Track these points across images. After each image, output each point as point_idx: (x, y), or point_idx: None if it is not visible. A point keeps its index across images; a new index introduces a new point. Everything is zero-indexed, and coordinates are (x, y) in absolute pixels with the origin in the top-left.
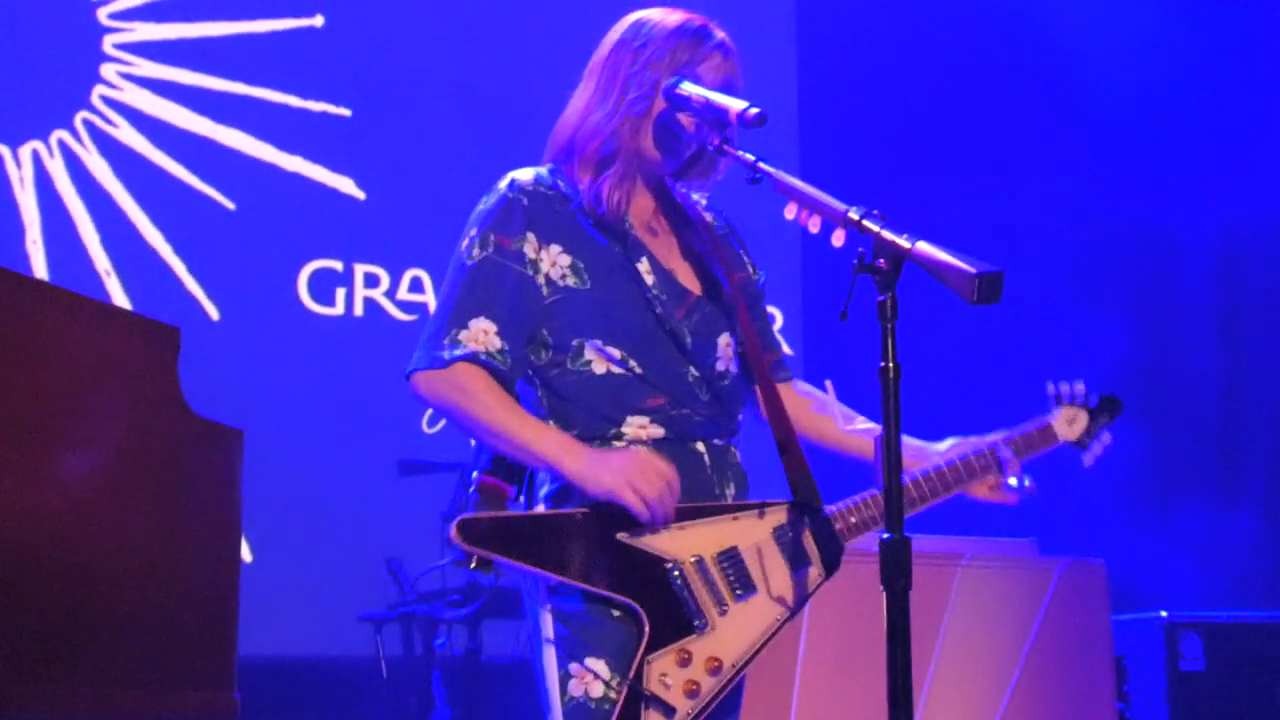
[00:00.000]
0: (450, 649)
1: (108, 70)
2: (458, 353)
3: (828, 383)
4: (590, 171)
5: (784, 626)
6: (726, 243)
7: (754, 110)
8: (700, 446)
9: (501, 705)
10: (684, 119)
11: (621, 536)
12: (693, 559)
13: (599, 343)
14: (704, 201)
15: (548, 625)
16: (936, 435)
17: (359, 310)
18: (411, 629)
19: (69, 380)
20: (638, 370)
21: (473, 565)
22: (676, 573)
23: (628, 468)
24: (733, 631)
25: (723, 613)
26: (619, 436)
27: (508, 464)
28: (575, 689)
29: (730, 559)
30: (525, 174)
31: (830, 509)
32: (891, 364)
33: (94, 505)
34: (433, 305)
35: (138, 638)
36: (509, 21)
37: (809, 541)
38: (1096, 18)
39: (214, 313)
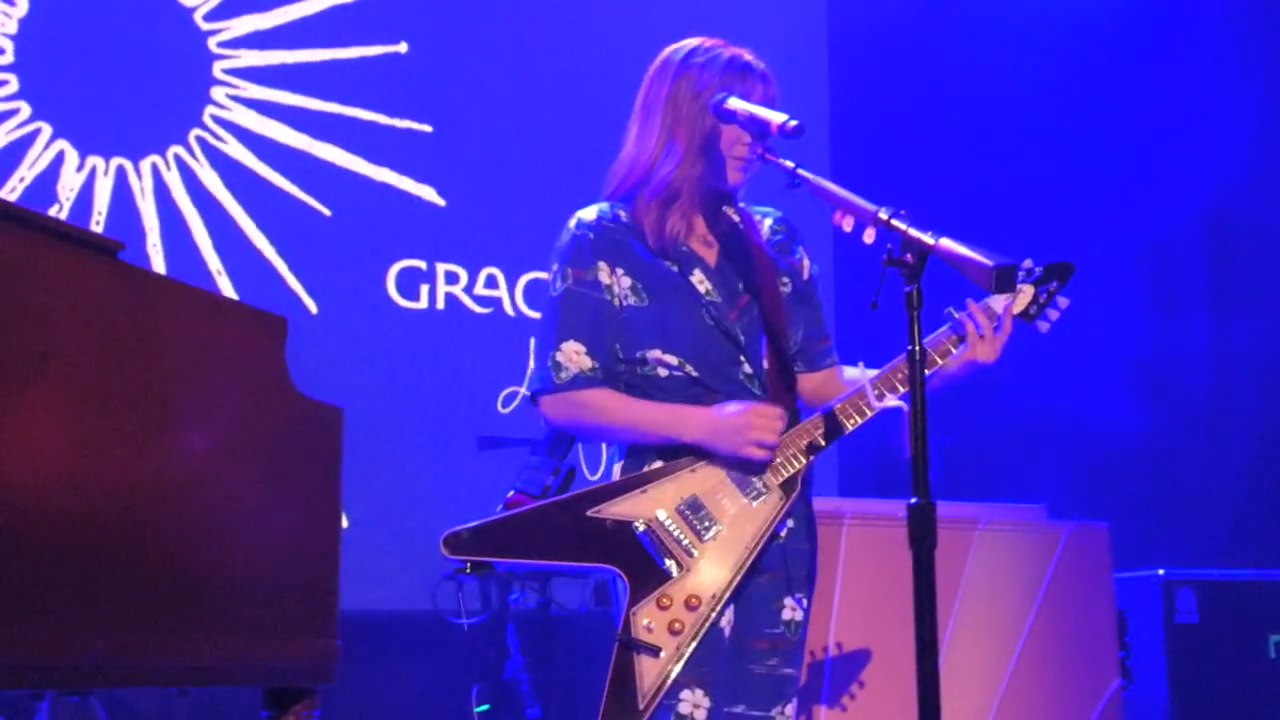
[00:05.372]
0: (523, 604)
1: (217, 93)
2: (563, 378)
3: (860, 364)
4: (656, 208)
5: (757, 553)
6: (782, 248)
7: (793, 123)
8: None
9: (568, 652)
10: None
11: (590, 511)
12: (656, 515)
13: (658, 352)
14: (765, 211)
15: None
16: (952, 410)
17: (440, 304)
18: (489, 586)
19: (190, 363)
20: (694, 374)
21: (468, 570)
22: (643, 530)
23: (748, 428)
24: (706, 570)
25: (693, 555)
26: None
27: (539, 485)
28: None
29: (691, 506)
30: (589, 212)
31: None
32: (918, 347)
33: (212, 474)
34: (505, 300)
35: (252, 592)
36: (571, 51)
37: (766, 475)
38: (1121, 17)
39: (313, 307)
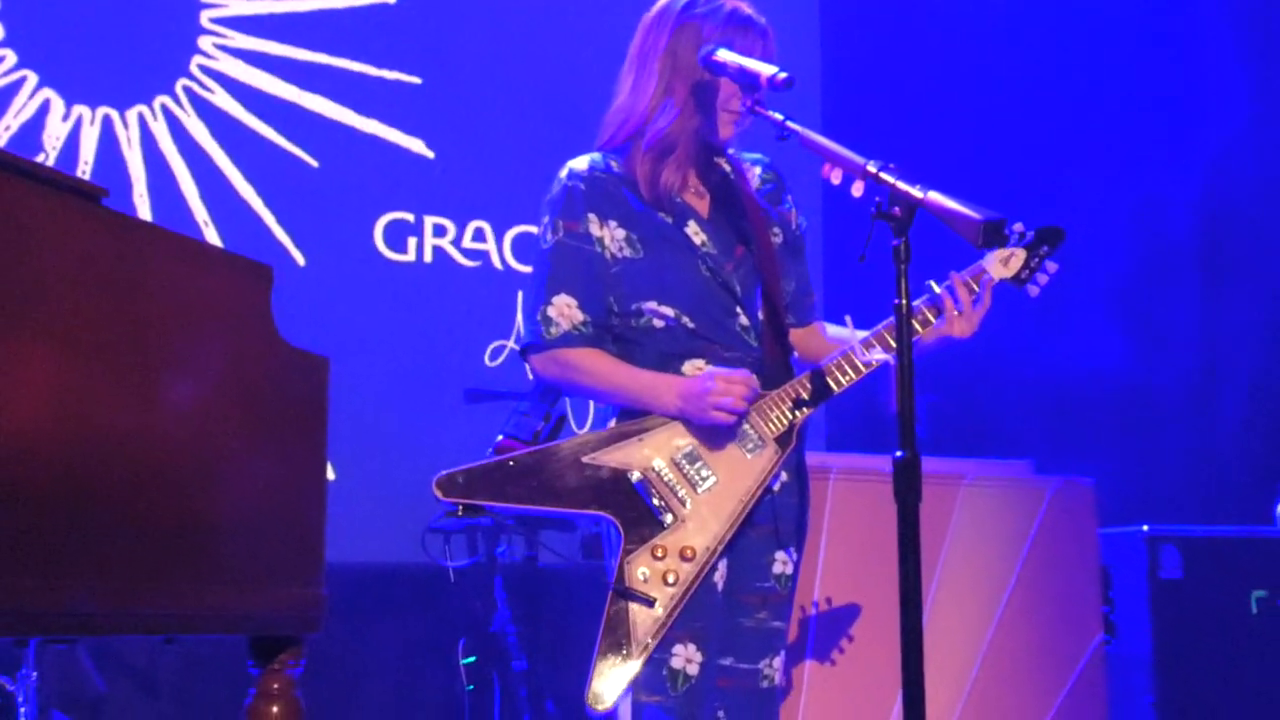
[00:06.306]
0: (510, 556)
1: (204, 42)
2: (553, 334)
3: (847, 318)
4: (651, 160)
5: (752, 505)
6: (772, 197)
7: (783, 75)
8: (753, 377)
9: (554, 605)
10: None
11: (586, 458)
12: (653, 465)
13: (654, 304)
14: (753, 159)
15: None
16: (939, 366)
17: (428, 257)
18: (476, 538)
19: (176, 311)
20: (689, 325)
21: (460, 513)
22: (639, 480)
23: (706, 393)
24: (700, 521)
25: (687, 506)
26: (679, 374)
27: (529, 430)
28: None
29: (688, 457)
30: (580, 162)
31: (770, 393)
32: (905, 301)
33: (198, 422)
34: (494, 253)
35: (238, 540)
36: (562, 2)
37: (761, 426)
38: None
39: (300, 259)
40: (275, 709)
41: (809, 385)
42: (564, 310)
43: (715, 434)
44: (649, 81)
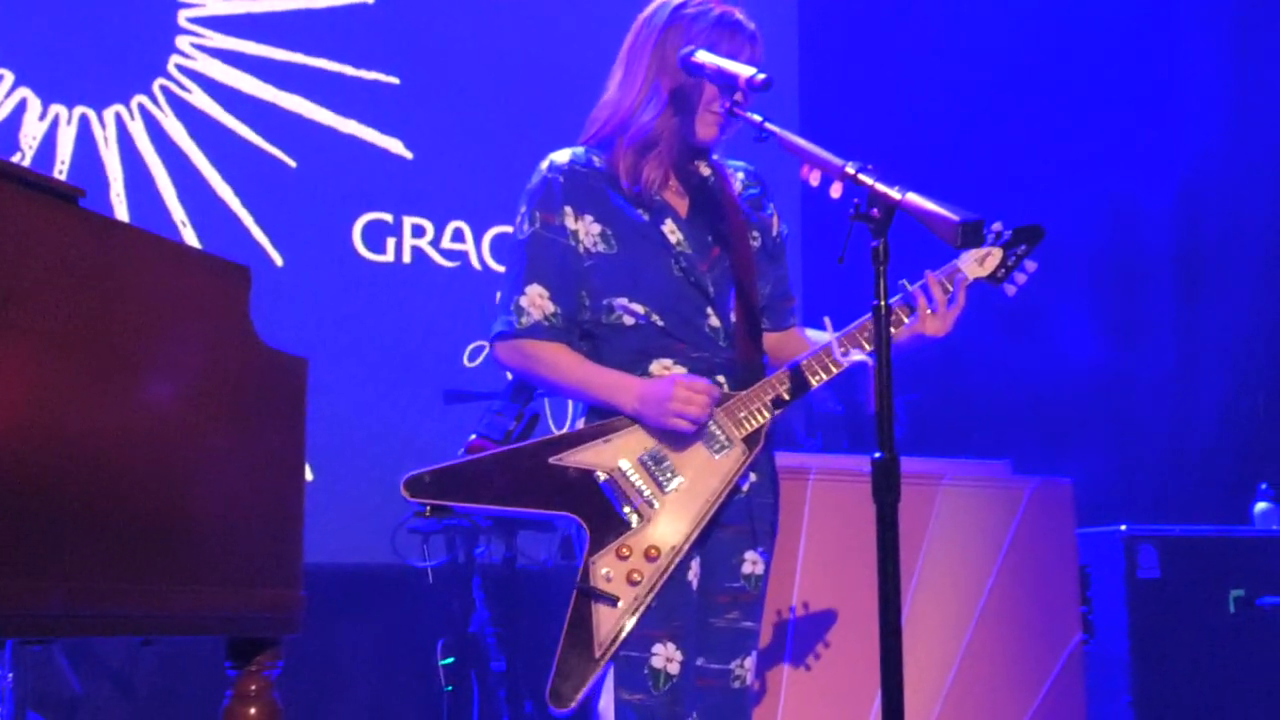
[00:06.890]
0: (489, 557)
1: (182, 42)
2: (524, 323)
3: (826, 320)
4: (633, 155)
5: (719, 505)
6: (754, 202)
7: (761, 76)
8: (721, 378)
9: (533, 606)
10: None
11: (553, 459)
12: (619, 465)
13: (625, 301)
14: (737, 165)
15: None
16: (918, 366)
17: (407, 258)
18: (454, 539)
19: (154, 311)
20: (659, 324)
21: (428, 514)
22: (605, 480)
23: (669, 399)
24: (666, 522)
25: (654, 507)
26: (646, 373)
27: (501, 429)
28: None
29: (654, 457)
30: (562, 155)
31: (739, 394)
32: (883, 302)
33: (176, 422)
34: (472, 254)
35: (216, 541)
36: (540, 2)
37: (729, 428)
38: None
39: (278, 259)
40: (253, 710)
41: (779, 385)
42: (536, 300)
43: (682, 435)
44: (636, 78)
